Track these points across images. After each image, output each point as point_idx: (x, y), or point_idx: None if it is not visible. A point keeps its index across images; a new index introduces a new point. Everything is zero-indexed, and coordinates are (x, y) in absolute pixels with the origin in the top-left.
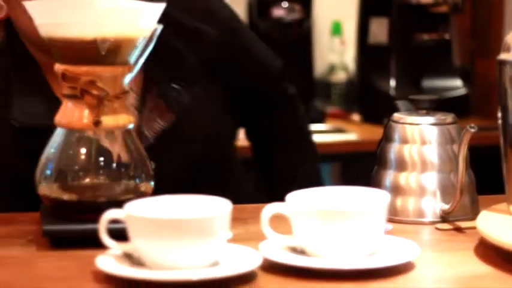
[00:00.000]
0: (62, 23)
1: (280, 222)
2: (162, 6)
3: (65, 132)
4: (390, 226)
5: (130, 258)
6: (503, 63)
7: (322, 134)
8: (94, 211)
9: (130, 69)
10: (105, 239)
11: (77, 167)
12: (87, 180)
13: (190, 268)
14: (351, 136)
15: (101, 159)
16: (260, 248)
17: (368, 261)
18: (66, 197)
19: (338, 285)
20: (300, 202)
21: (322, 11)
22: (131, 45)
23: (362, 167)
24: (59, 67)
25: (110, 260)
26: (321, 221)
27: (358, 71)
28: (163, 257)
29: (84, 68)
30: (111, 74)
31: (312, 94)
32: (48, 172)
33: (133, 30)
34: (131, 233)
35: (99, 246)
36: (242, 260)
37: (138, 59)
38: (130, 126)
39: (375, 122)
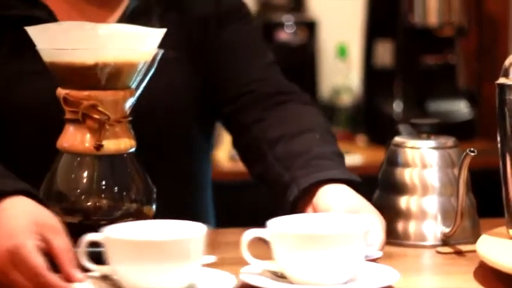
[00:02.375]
0: (64, 48)
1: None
2: (162, 31)
3: (68, 156)
4: (379, 253)
5: (110, 281)
6: (502, 87)
7: None
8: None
9: (131, 94)
10: (85, 261)
11: (78, 191)
12: (89, 203)
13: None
14: (356, 159)
15: (103, 182)
16: (241, 272)
17: (348, 286)
18: (67, 220)
19: None
20: (280, 226)
21: (327, 33)
22: (132, 70)
23: (365, 190)
24: (60, 91)
25: (88, 284)
26: (301, 245)
27: (364, 93)
28: (141, 280)
29: (85, 93)
30: (112, 98)
31: None
32: (50, 195)
33: (134, 55)
34: (110, 255)
35: None
36: (217, 283)
37: (139, 83)
38: (132, 150)
39: (381, 145)
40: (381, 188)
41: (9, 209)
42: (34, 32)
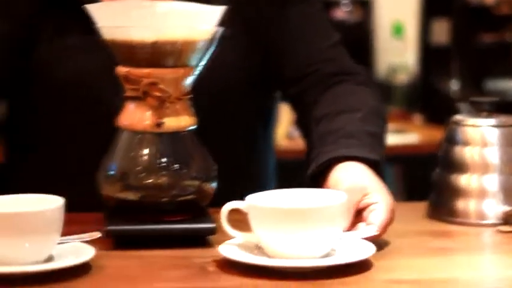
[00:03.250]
0: (123, 25)
1: None
2: (222, 8)
3: (128, 133)
4: (374, 232)
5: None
6: None
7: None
8: (156, 211)
9: (191, 71)
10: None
11: (139, 168)
12: (150, 180)
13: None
14: (412, 138)
15: (163, 160)
16: (220, 246)
17: (324, 260)
18: (129, 197)
19: (296, 283)
20: (256, 200)
21: (383, 12)
22: (192, 48)
23: (423, 168)
24: (121, 69)
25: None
26: (275, 218)
27: (420, 72)
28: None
29: (146, 70)
30: (172, 76)
31: None
32: (111, 173)
33: (193, 32)
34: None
35: (162, 246)
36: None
37: (199, 61)
38: (192, 127)
39: (437, 124)
40: (440, 166)
41: None
42: (94, 9)
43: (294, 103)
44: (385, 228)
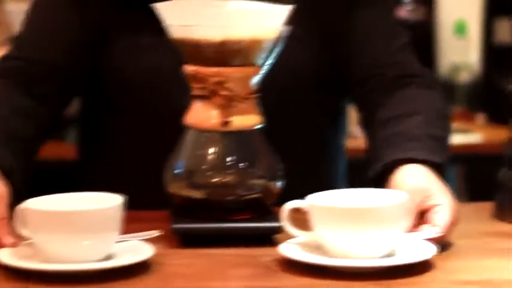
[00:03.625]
0: (192, 24)
1: None
2: (289, 8)
3: (194, 132)
4: (436, 234)
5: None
6: None
7: None
8: (222, 210)
9: (258, 71)
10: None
11: (205, 167)
12: (216, 179)
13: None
14: (475, 137)
15: (229, 159)
16: (280, 245)
17: (385, 260)
18: (195, 195)
19: (357, 283)
20: (318, 199)
21: (446, 10)
22: (259, 47)
23: (486, 168)
24: (188, 68)
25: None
26: (336, 218)
27: (483, 71)
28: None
29: (213, 69)
30: (240, 75)
31: None
32: (177, 171)
33: (261, 32)
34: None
35: (228, 244)
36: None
37: (266, 60)
38: (259, 126)
39: (500, 123)
40: (506, 165)
41: None
42: (163, 8)
43: (360, 104)
44: (449, 229)
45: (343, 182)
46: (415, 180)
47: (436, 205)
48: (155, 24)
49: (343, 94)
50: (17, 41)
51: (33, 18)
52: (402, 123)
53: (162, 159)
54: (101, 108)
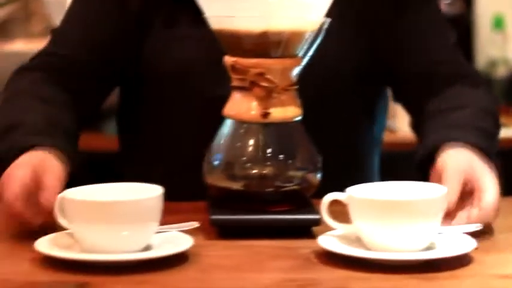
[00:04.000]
0: (232, 15)
1: None
2: (330, 0)
3: (233, 123)
4: (473, 227)
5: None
6: None
7: None
8: (261, 201)
9: (298, 62)
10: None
11: (244, 158)
12: (255, 170)
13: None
14: None
15: (268, 150)
16: (319, 237)
17: (424, 253)
18: (233, 187)
19: (396, 276)
20: (357, 191)
21: (484, 5)
22: (300, 39)
23: None
24: (228, 59)
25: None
26: (375, 210)
27: None
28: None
29: (253, 61)
30: (280, 67)
31: None
32: (216, 162)
33: (302, 23)
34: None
35: (266, 236)
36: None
37: (306, 52)
38: (298, 118)
39: None
40: None
41: (17, 161)
42: None
43: (407, 102)
44: (493, 212)
45: (378, 174)
46: (460, 162)
47: (480, 187)
48: (193, 16)
49: (382, 86)
50: (55, 36)
51: (72, 12)
52: (451, 115)
53: (198, 150)
54: (138, 99)
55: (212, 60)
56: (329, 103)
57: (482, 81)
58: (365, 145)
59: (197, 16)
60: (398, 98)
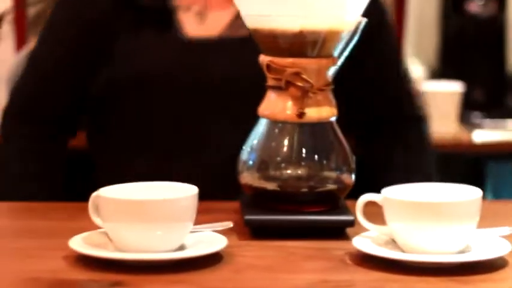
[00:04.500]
0: (269, 14)
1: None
2: None
3: (268, 123)
4: (508, 230)
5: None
6: None
7: None
8: (295, 202)
9: (334, 62)
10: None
11: (279, 158)
12: (289, 171)
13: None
14: None
15: (303, 150)
16: (354, 239)
17: (460, 256)
18: (267, 187)
19: (432, 279)
20: (392, 193)
21: None
22: (336, 38)
23: None
24: (264, 58)
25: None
26: (410, 212)
27: None
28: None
29: (289, 60)
30: (316, 66)
31: (504, 90)
32: (250, 162)
33: (339, 23)
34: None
35: (300, 236)
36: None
37: (342, 51)
38: (333, 118)
39: None
40: None
41: None
42: None
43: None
44: None
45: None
46: None
47: None
48: (159, 23)
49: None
50: (22, 81)
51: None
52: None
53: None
54: (106, 107)
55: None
56: None
57: (426, 126)
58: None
59: (159, 24)
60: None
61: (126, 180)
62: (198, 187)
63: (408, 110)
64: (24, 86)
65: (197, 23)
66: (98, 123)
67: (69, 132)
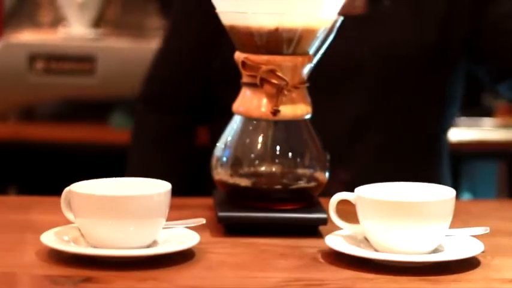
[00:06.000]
0: (244, 11)
1: None
2: None
3: (243, 120)
4: (480, 230)
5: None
6: None
7: (489, 130)
8: (269, 199)
9: (310, 60)
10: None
11: (253, 155)
12: (263, 168)
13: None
14: None
15: (277, 148)
16: (326, 237)
17: (431, 256)
18: (241, 183)
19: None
20: (365, 192)
21: None
22: (312, 36)
23: None
24: (239, 55)
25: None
26: (383, 211)
27: None
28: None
29: (264, 57)
30: (291, 64)
31: (479, 89)
32: (224, 159)
33: (315, 21)
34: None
35: (273, 234)
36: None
37: (317, 50)
38: (308, 116)
39: None
40: None
41: None
42: None
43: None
44: None
45: (448, 174)
46: None
47: None
48: None
49: (450, 76)
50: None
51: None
52: None
53: None
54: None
55: None
56: (395, 97)
57: None
58: (435, 129)
59: None
60: (481, 61)
61: None
62: None
63: None
64: (159, 74)
65: None
66: (217, 111)
67: (200, 122)
